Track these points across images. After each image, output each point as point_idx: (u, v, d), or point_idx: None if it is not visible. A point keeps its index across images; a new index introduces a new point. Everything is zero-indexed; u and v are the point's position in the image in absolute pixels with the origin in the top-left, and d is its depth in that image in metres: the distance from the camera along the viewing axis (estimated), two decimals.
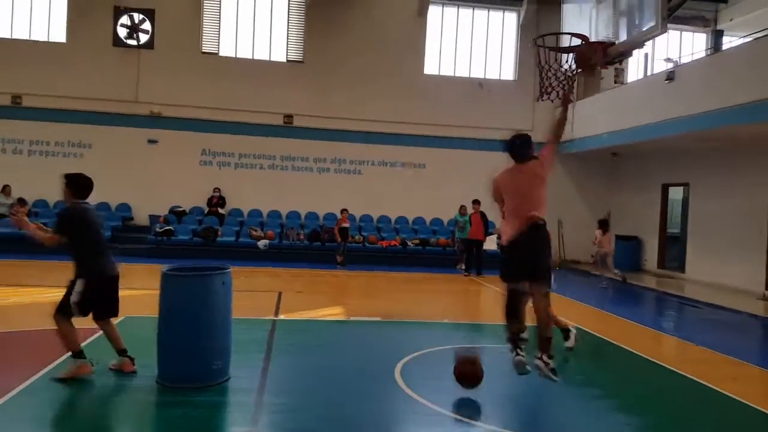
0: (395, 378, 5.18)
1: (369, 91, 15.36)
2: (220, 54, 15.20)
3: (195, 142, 15.00)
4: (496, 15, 16.15)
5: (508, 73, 16.29)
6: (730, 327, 8.94)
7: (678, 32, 16.81)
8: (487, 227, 12.86)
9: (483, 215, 12.75)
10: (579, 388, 5.29)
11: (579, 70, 5.68)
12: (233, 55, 15.27)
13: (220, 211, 14.67)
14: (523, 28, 15.92)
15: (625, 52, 5.46)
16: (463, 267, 13.27)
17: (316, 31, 15.27)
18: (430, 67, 15.87)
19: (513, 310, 4.73)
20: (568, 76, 5.52)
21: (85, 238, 4.82)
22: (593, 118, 14.56)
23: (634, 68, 16.15)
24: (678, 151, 13.83)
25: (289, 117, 15.29)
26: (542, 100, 5.82)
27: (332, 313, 8.32)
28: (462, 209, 13.60)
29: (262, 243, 13.48)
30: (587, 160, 16.14)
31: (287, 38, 15.41)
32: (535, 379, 4.70)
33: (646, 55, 15.95)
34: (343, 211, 13.61)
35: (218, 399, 4.66)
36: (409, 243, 14.15)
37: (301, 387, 5.04)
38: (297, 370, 5.47)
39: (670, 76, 11.52)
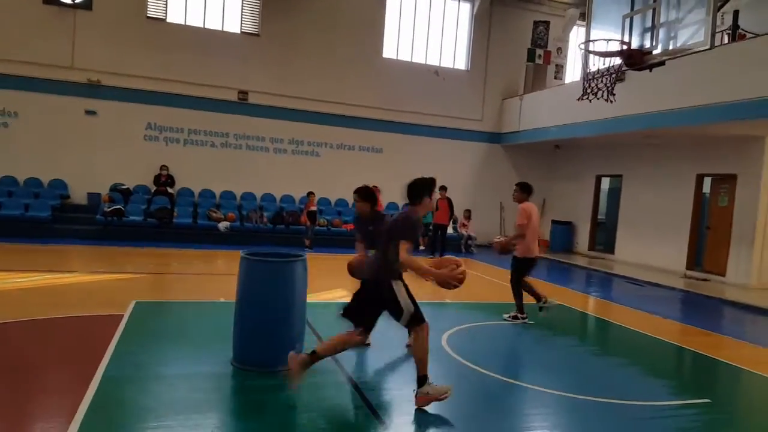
0: (446, 350, 5.69)
1: (327, 72, 15.10)
2: (168, 20, 14.07)
3: (139, 114, 13.85)
4: (452, 4, 16.50)
5: (461, 63, 16.78)
6: (658, 298, 10.38)
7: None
8: (452, 212, 13.34)
9: (449, 201, 13.20)
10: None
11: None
12: (182, 23, 14.22)
13: (169, 190, 13.75)
14: (477, 20, 16.46)
15: (661, 62, 5.99)
16: (424, 248, 13.72)
17: (273, 3, 14.64)
18: (389, 51, 15.91)
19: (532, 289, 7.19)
20: (612, 75, 5.94)
21: None
22: (539, 112, 15.53)
23: (571, 65, 17.37)
24: (613, 145, 15.19)
25: (243, 93, 14.61)
26: (583, 99, 6.22)
27: (341, 295, 8.31)
28: None
29: (222, 225, 12.90)
30: (531, 150, 17.17)
31: (242, 8, 14.62)
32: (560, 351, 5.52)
33: None
34: (311, 194, 13.39)
35: (313, 380, 4.64)
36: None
37: (375, 364, 5.25)
38: (361, 349, 5.49)
39: (620, 77, 12.58)
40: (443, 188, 13.30)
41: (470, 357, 5.48)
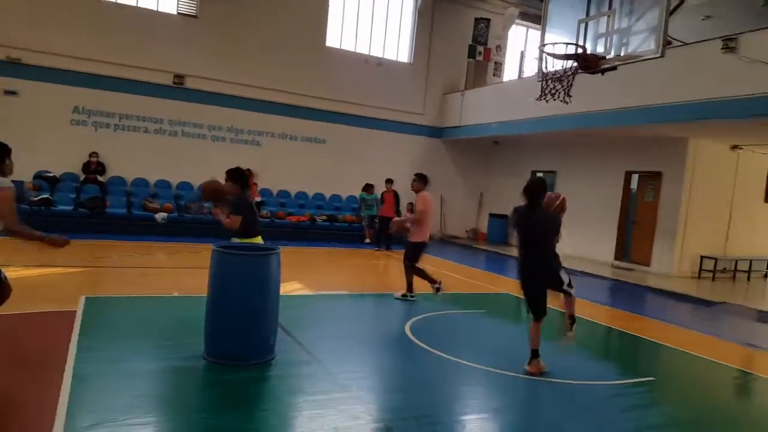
0: (410, 338, 5.87)
1: (269, 58, 14.71)
2: None
3: (65, 97, 12.89)
4: None
5: (404, 56, 16.88)
6: (590, 286, 10.91)
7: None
8: (399, 205, 13.47)
9: (396, 194, 13.31)
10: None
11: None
12: (115, 0, 13.36)
13: (100, 178, 12.93)
14: (420, 13, 16.61)
15: (614, 67, 6.34)
16: (369, 241, 13.86)
17: None
18: (332, 40, 15.72)
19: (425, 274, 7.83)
20: (568, 77, 6.23)
21: None
22: (480, 108, 15.94)
23: (510, 63, 17.95)
24: (548, 142, 15.89)
25: (179, 77, 13.95)
26: (540, 100, 6.47)
27: (296, 288, 8.22)
28: (370, 188, 14.00)
29: (160, 216, 12.29)
30: (470, 145, 17.59)
31: None
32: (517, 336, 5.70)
33: (522, 53, 17.86)
34: (254, 184, 13.02)
35: (293, 371, 4.66)
36: (317, 219, 14.12)
37: (350, 354, 5.30)
38: (330, 341, 5.59)
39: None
40: (389, 181, 13.40)
41: (430, 342, 5.67)
